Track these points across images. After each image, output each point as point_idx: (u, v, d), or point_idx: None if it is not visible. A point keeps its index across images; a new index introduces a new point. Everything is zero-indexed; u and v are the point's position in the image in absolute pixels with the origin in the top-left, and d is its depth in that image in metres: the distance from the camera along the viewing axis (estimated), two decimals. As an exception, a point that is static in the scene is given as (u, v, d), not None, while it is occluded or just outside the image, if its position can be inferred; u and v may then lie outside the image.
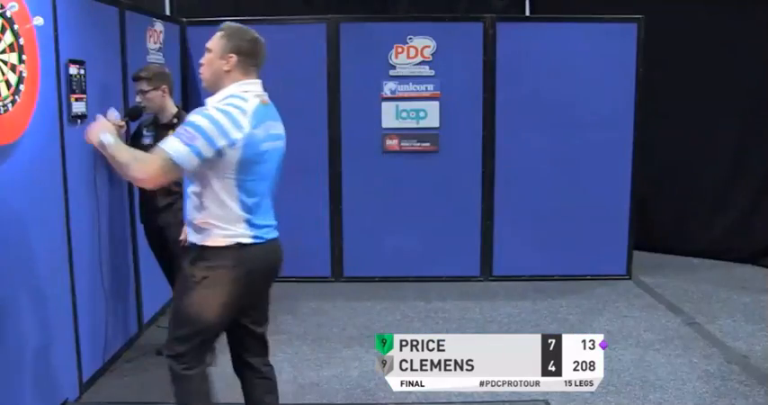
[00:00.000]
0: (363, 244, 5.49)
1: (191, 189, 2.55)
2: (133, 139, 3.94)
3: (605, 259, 5.59)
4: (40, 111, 3.08)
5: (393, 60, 5.31)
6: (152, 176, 2.42)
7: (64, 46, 3.34)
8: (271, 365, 2.83)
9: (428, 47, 5.29)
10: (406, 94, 5.33)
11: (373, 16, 5.64)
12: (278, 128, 2.65)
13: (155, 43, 4.67)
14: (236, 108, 2.46)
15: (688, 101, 6.03)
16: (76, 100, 3.46)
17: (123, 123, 3.66)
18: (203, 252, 2.54)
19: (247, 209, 2.54)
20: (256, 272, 2.60)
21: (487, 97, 5.33)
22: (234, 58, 2.53)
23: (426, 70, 5.32)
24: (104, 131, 2.47)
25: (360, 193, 5.43)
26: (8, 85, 2.80)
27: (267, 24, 5.37)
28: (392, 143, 5.38)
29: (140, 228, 4.32)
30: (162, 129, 3.82)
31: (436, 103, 5.34)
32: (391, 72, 5.32)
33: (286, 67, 5.31)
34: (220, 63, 2.54)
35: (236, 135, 2.42)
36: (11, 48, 2.82)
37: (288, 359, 4.04)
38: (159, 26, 4.75)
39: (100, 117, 2.65)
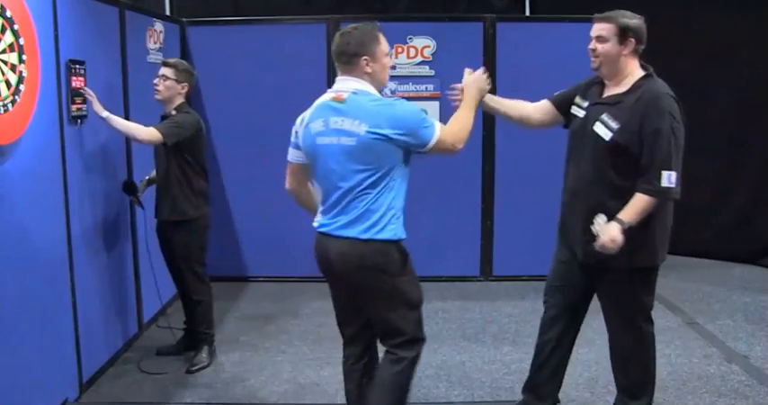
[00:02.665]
0: (363, 244, 5.49)
1: None
2: None
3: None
4: (40, 111, 3.08)
5: (393, 60, 5.31)
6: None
7: (64, 46, 3.35)
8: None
9: (428, 47, 5.29)
10: (405, 94, 5.33)
11: (373, 16, 5.63)
12: (345, 123, 2.59)
13: (155, 43, 4.67)
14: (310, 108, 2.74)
15: (688, 101, 5.99)
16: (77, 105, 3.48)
17: None
18: None
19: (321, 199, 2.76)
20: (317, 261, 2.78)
21: (487, 97, 5.32)
22: None
23: (426, 70, 5.33)
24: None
25: (360, 193, 5.42)
26: (8, 85, 2.81)
27: (267, 24, 5.38)
28: (392, 143, 5.37)
29: (141, 227, 4.33)
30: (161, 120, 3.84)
31: (436, 103, 5.34)
32: (391, 72, 5.30)
33: (286, 67, 5.32)
34: None
35: (296, 128, 2.76)
36: (11, 48, 2.82)
37: (288, 359, 4.04)
38: (159, 26, 4.75)
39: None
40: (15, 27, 2.84)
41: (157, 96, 3.79)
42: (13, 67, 2.84)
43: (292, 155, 2.80)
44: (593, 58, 2.91)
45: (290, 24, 5.40)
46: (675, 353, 4.09)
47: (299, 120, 2.75)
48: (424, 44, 5.30)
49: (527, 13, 6.27)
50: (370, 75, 2.66)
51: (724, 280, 5.61)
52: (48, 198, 3.25)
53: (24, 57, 2.91)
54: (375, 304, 2.69)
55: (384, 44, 2.70)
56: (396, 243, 2.62)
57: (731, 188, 6.09)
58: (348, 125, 2.57)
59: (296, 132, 2.75)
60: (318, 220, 2.71)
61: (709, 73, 5.90)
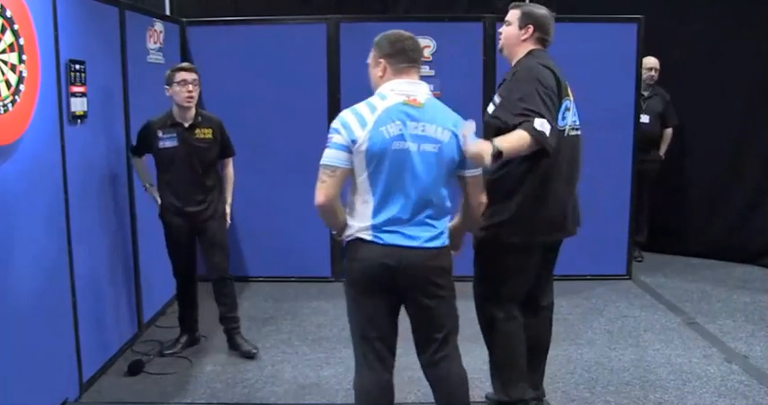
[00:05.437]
0: (363, 244, 5.48)
1: None
2: (147, 146, 3.93)
3: (605, 259, 5.58)
4: (40, 111, 3.09)
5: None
6: (317, 199, 2.53)
7: (64, 46, 3.35)
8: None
9: (428, 47, 5.28)
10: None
11: (373, 16, 5.63)
12: (429, 129, 2.54)
13: (155, 43, 4.67)
14: (367, 106, 2.58)
15: (687, 101, 6.04)
16: (76, 94, 3.47)
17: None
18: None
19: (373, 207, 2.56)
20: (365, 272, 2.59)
21: (487, 97, 5.32)
22: (382, 62, 2.67)
23: (426, 70, 5.31)
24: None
25: (360, 193, 5.41)
26: (8, 85, 2.81)
27: (267, 24, 5.38)
28: (392, 143, 5.36)
29: (142, 227, 4.33)
30: (188, 129, 3.88)
31: (436, 104, 5.33)
32: (391, 72, 5.30)
33: (286, 67, 5.31)
34: (374, 71, 2.71)
35: (358, 133, 2.50)
36: (11, 48, 2.82)
37: (288, 359, 4.04)
38: (159, 26, 4.75)
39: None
40: (15, 27, 2.84)
41: (191, 103, 3.86)
42: (13, 67, 2.84)
43: (341, 159, 2.52)
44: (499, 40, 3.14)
45: (290, 24, 5.40)
46: (675, 353, 4.09)
47: (349, 121, 2.55)
48: (424, 44, 5.26)
49: (527, 13, 6.26)
50: None
51: (724, 280, 5.61)
52: (48, 198, 3.24)
53: (24, 57, 2.91)
54: (436, 303, 2.70)
55: None
56: None
57: (732, 189, 6.09)
58: (431, 131, 2.54)
59: (347, 134, 2.52)
60: (392, 232, 2.54)
61: (709, 74, 5.90)
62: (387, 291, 2.62)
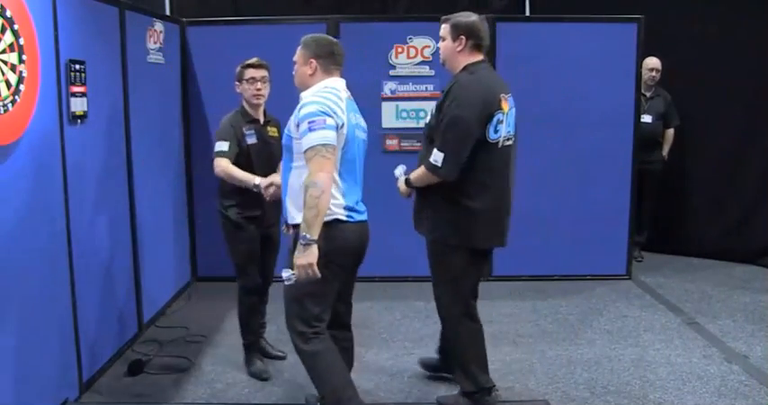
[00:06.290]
0: (363, 244, 5.48)
1: (296, 164, 2.86)
2: (239, 144, 3.69)
3: (605, 259, 5.58)
4: (40, 111, 3.09)
5: (393, 60, 5.31)
6: (324, 171, 2.69)
7: (64, 46, 3.34)
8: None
9: (428, 47, 5.29)
10: (405, 94, 5.33)
11: (373, 16, 5.63)
12: (360, 121, 2.98)
13: (155, 43, 4.67)
14: (334, 95, 2.84)
15: (688, 101, 6.04)
16: (76, 94, 3.47)
17: None
18: None
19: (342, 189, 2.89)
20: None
21: (487, 97, 5.32)
22: (314, 62, 2.94)
23: (426, 70, 5.32)
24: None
25: (360, 193, 5.42)
26: (8, 85, 2.81)
27: (267, 24, 5.38)
28: (392, 143, 5.37)
29: (142, 227, 4.32)
30: (263, 126, 3.82)
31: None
32: (391, 72, 5.31)
33: (286, 68, 5.28)
34: (304, 69, 2.98)
35: (343, 117, 2.79)
36: (11, 48, 2.82)
37: (287, 359, 4.04)
38: (159, 26, 4.75)
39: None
40: (15, 27, 2.84)
41: (260, 101, 3.78)
42: (13, 67, 2.84)
43: (335, 138, 2.74)
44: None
45: (290, 24, 5.39)
46: (675, 353, 4.09)
47: (333, 107, 2.78)
48: (424, 44, 5.30)
49: (527, 13, 6.27)
50: None
51: (724, 280, 5.62)
52: (48, 198, 3.24)
53: (24, 57, 2.91)
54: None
55: None
56: None
57: (732, 189, 6.09)
58: (362, 123, 2.99)
59: (337, 118, 2.77)
60: (357, 210, 2.93)
61: (709, 74, 5.90)
62: (353, 263, 3.01)
